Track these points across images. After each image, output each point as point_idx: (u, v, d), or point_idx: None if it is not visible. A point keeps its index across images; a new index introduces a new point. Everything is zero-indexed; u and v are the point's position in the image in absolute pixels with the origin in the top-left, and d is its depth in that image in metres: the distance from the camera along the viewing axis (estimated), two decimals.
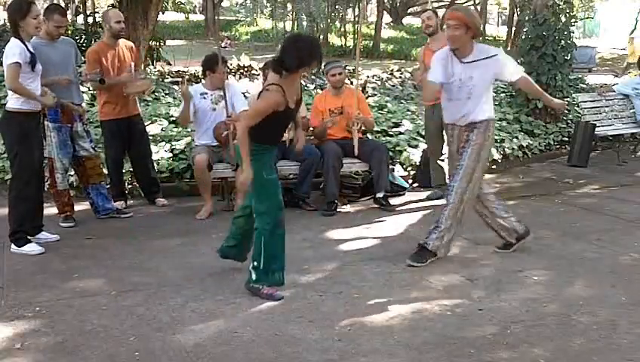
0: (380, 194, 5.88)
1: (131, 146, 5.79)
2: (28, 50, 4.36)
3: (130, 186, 6.10)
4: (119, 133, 5.67)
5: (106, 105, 5.60)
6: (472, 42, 4.32)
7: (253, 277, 3.79)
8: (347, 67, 10.18)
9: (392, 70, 11.35)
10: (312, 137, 6.16)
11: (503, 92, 9.84)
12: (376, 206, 5.88)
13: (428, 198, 6.19)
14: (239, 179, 3.84)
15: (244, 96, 5.92)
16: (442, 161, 6.19)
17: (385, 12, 31.44)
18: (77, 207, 5.35)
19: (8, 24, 4.62)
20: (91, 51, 5.59)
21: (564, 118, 9.06)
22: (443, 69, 4.33)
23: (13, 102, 4.43)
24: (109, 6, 11.70)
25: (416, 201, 6.17)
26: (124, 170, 5.92)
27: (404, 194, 6.36)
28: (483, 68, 4.29)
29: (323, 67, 6.56)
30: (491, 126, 4.42)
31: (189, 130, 6.44)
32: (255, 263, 3.78)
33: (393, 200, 6.10)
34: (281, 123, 3.79)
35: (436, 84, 4.39)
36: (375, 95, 9.31)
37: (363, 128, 6.26)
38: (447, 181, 6.14)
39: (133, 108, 5.71)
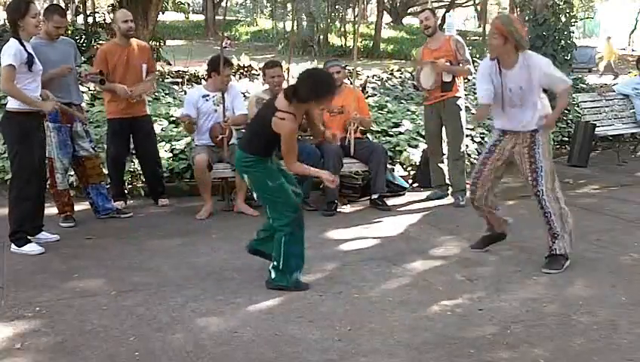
0: (374, 196, 5.89)
1: (137, 146, 5.80)
2: (25, 50, 4.34)
3: (130, 186, 6.10)
4: (121, 132, 5.66)
5: (111, 103, 5.61)
6: (515, 52, 4.15)
7: (273, 275, 3.89)
8: (347, 67, 10.20)
9: (392, 70, 11.33)
10: (312, 137, 6.16)
11: None
12: (373, 206, 5.88)
13: (428, 198, 6.19)
14: (327, 178, 4.03)
15: (245, 96, 5.92)
16: (442, 161, 6.19)
17: (385, 12, 31.43)
18: (77, 207, 5.35)
19: (7, 24, 4.60)
20: (99, 51, 5.64)
21: (564, 117, 9.06)
22: (487, 85, 4.21)
23: (13, 101, 4.42)
24: (109, 6, 11.72)
25: (416, 201, 6.17)
26: (125, 170, 5.92)
27: (404, 194, 6.37)
28: (527, 76, 4.14)
29: (322, 67, 6.56)
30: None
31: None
32: (275, 263, 3.87)
33: (393, 201, 6.11)
34: (278, 142, 3.82)
35: (485, 104, 4.28)
36: (375, 95, 9.29)
37: (362, 128, 6.27)
38: (447, 181, 6.17)
39: (139, 108, 5.71)
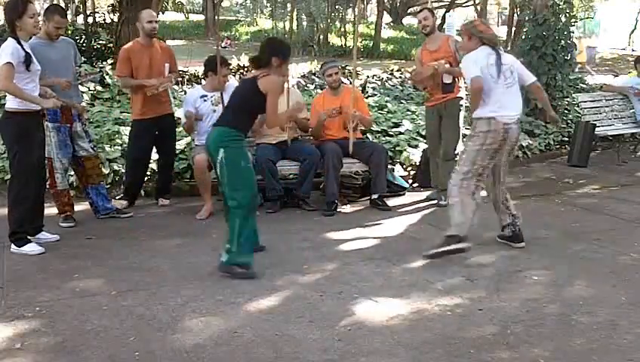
0: (375, 196, 5.89)
1: (159, 143, 5.81)
2: (23, 49, 4.33)
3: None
4: (148, 133, 5.66)
5: (138, 103, 5.62)
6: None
7: (224, 259, 4.06)
8: (347, 67, 10.20)
9: (392, 70, 11.34)
10: (312, 137, 6.17)
11: None
12: (373, 206, 5.88)
13: (428, 198, 6.18)
14: (292, 112, 4.70)
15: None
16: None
17: (385, 12, 31.42)
18: (77, 207, 5.35)
19: (5, 24, 4.59)
20: (122, 50, 5.67)
21: (564, 118, 9.06)
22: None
23: (12, 101, 4.41)
24: (109, 6, 11.72)
25: (416, 201, 6.17)
26: (146, 172, 5.93)
27: (404, 194, 6.36)
28: None
29: (320, 68, 6.56)
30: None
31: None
32: (228, 245, 4.04)
33: (393, 201, 6.11)
34: (258, 112, 4.23)
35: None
36: (375, 95, 9.30)
37: (361, 128, 6.27)
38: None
39: (166, 106, 5.75)
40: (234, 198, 4.04)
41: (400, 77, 10.57)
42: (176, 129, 6.61)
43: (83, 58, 5.74)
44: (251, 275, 4.04)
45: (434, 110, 6.05)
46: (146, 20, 5.56)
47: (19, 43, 4.33)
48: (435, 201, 6.04)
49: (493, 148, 4.45)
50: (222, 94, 5.54)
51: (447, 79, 5.85)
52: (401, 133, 7.30)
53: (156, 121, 5.65)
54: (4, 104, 4.59)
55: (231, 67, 11.43)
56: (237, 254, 4.04)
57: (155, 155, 5.95)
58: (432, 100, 6.04)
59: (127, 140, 6.08)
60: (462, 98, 6.02)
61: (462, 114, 6.01)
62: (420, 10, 6.31)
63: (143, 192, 6.07)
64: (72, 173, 5.43)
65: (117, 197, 5.81)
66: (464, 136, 6.70)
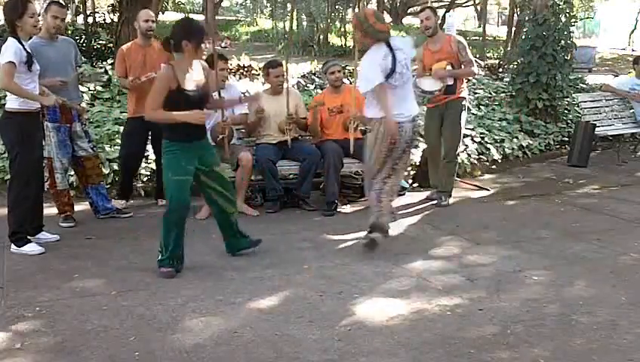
0: None
1: (154, 143, 5.80)
2: (25, 49, 4.34)
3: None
4: (140, 131, 5.65)
5: (134, 101, 5.61)
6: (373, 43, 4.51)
7: (159, 257, 4.13)
8: (347, 67, 10.19)
9: None
10: (311, 136, 6.17)
11: (503, 92, 9.84)
12: None
13: (428, 198, 6.18)
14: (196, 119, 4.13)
15: (244, 96, 5.92)
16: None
17: (385, 12, 31.41)
18: (77, 207, 5.35)
19: (5, 24, 4.58)
20: (119, 50, 5.69)
21: (564, 118, 9.07)
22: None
23: (12, 102, 4.41)
24: (109, 6, 11.73)
25: (416, 201, 6.17)
26: (138, 171, 5.91)
27: (404, 194, 6.36)
28: None
29: (322, 66, 6.56)
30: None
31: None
32: (159, 247, 4.14)
33: (393, 201, 6.09)
34: (182, 107, 4.02)
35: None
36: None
37: (362, 128, 6.26)
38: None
39: None
40: (169, 200, 4.17)
41: None
42: None
43: (83, 58, 5.72)
44: (170, 275, 4.09)
45: (435, 110, 6.05)
46: (142, 19, 5.57)
47: (20, 43, 4.33)
48: (435, 201, 6.04)
49: (390, 147, 4.56)
50: (220, 92, 5.52)
51: (449, 80, 5.84)
52: None
53: (141, 122, 5.64)
54: (5, 104, 4.59)
55: (231, 66, 11.46)
56: (166, 256, 4.12)
57: (153, 155, 5.95)
58: (434, 101, 6.03)
59: None
60: (464, 98, 6.01)
61: (464, 115, 6.01)
62: (422, 10, 6.16)
63: (143, 192, 6.07)
64: (72, 173, 5.43)
65: (115, 198, 5.80)
66: (465, 136, 6.72)
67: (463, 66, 5.87)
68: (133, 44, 5.64)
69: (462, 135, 6.07)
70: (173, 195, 4.09)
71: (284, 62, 6.04)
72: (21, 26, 4.35)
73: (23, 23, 4.35)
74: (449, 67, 5.79)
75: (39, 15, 4.64)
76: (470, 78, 8.14)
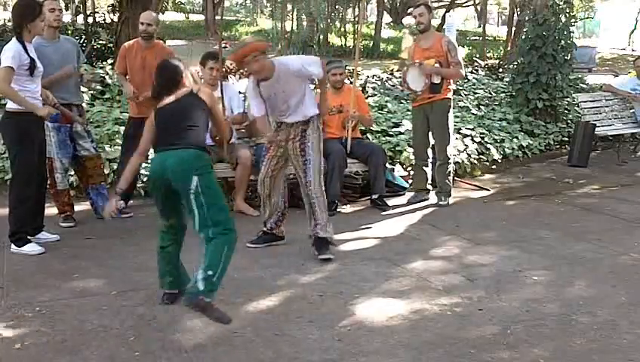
0: (375, 196, 5.89)
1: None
2: (27, 54, 4.30)
3: None
4: (133, 133, 5.65)
5: (131, 103, 5.61)
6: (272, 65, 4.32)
7: (201, 287, 3.24)
8: (347, 67, 10.19)
9: (392, 70, 11.33)
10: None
11: (503, 92, 9.84)
12: (373, 206, 5.88)
13: (408, 202, 6.10)
14: None
15: (244, 96, 5.91)
16: (426, 165, 6.15)
17: (385, 12, 31.42)
18: (77, 207, 5.35)
19: (12, 25, 4.54)
20: (122, 47, 5.69)
21: (564, 118, 9.07)
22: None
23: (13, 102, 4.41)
24: (109, 6, 11.72)
25: (416, 201, 6.16)
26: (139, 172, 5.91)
27: (404, 194, 6.36)
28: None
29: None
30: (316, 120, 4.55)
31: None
32: (209, 272, 3.30)
33: (393, 201, 6.10)
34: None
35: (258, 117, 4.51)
36: (375, 95, 9.29)
37: (362, 127, 6.26)
38: (429, 186, 6.15)
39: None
40: (220, 222, 3.41)
41: (400, 77, 10.55)
42: None
43: (85, 58, 5.71)
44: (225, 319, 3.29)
45: (420, 110, 6.00)
46: (139, 22, 5.56)
47: (24, 47, 4.29)
48: (436, 201, 6.04)
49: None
50: (222, 93, 5.52)
51: (436, 79, 5.79)
52: (401, 133, 7.30)
53: (140, 122, 5.63)
54: (5, 104, 4.59)
55: (231, 66, 11.44)
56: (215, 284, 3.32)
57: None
58: (417, 100, 5.99)
59: None
60: (450, 99, 5.95)
61: (451, 115, 5.96)
62: (417, 6, 5.99)
63: (142, 192, 6.07)
64: (73, 173, 5.43)
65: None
66: (465, 136, 6.71)
67: (451, 67, 5.84)
68: (136, 43, 5.62)
69: (450, 135, 6.02)
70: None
71: None
72: (31, 29, 4.32)
73: (34, 26, 4.33)
74: (437, 65, 5.77)
75: None
76: (457, 80, 8.12)
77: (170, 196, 3.50)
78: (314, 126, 4.50)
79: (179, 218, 3.62)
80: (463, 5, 35.06)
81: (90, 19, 11.87)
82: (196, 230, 3.41)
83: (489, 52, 21.36)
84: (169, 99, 3.63)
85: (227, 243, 3.40)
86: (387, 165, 6.22)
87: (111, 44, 9.82)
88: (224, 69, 7.10)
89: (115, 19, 10.23)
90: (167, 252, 3.66)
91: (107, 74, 8.01)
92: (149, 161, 5.50)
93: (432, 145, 6.06)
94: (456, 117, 7.11)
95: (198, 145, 3.52)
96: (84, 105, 5.46)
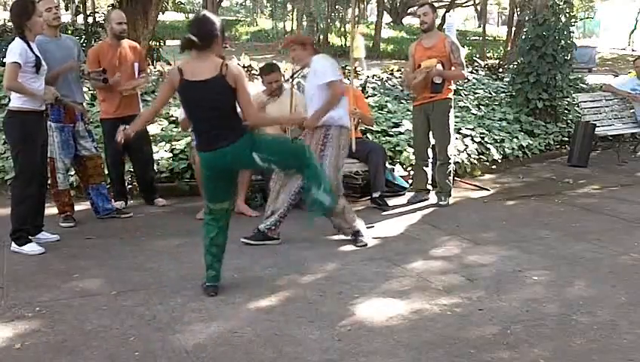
0: (375, 194, 5.88)
1: (129, 146, 5.77)
2: (32, 52, 4.34)
3: (130, 186, 6.09)
4: (115, 134, 5.64)
5: (104, 103, 5.60)
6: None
7: (321, 198, 3.69)
8: (347, 67, 10.19)
9: (392, 70, 11.34)
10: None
11: (503, 92, 9.84)
12: (374, 206, 5.89)
13: (408, 202, 6.10)
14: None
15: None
16: (426, 165, 6.15)
17: (385, 12, 31.42)
18: (77, 207, 5.35)
19: (12, 25, 4.58)
20: (91, 51, 5.63)
21: (564, 118, 9.07)
22: None
23: (16, 101, 4.42)
24: (109, 6, 11.72)
25: (416, 201, 6.16)
26: (125, 170, 5.91)
27: (404, 194, 6.36)
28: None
29: None
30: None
31: (189, 129, 6.42)
32: (319, 189, 3.68)
33: (393, 201, 6.10)
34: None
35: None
36: (375, 95, 9.30)
37: (362, 127, 6.25)
38: (428, 186, 6.16)
39: (133, 107, 5.67)
40: (298, 159, 3.72)
41: (400, 77, 10.57)
42: (175, 129, 6.63)
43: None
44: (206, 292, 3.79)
45: (420, 110, 6.00)
46: (115, 22, 5.54)
47: (28, 45, 4.33)
48: (436, 201, 6.04)
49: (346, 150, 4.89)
50: None
51: (437, 79, 5.79)
52: (401, 133, 7.30)
53: (125, 121, 5.61)
54: (7, 103, 4.60)
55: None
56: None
57: (131, 160, 5.92)
58: (418, 99, 5.99)
59: None
60: (451, 100, 5.95)
61: (451, 115, 5.96)
62: (421, 5, 6.12)
63: (141, 194, 6.06)
64: (73, 172, 5.43)
65: (113, 201, 5.79)
66: (465, 136, 6.70)
67: (453, 68, 5.84)
68: (105, 44, 5.63)
69: (451, 135, 6.02)
70: (205, 187, 3.86)
71: (283, 63, 6.04)
72: (30, 27, 4.35)
73: (33, 24, 4.35)
74: (439, 65, 5.76)
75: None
76: (459, 80, 8.13)
77: (225, 177, 3.74)
78: (334, 133, 4.74)
79: (230, 200, 3.84)
80: (463, 5, 35.09)
81: (90, 19, 11.86)
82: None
83: (489, 52, 21.37)
84: (199, 75, 3.52)
85: (315, 162, 3.77)
86: (387, 165, 6.21)
87: None
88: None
89: None
90: (215, 245, 3.83)
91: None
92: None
93: (433, 145, 6.06)
94: (456, 117, 7.11)
95: (234, 129, 3.58)
96: (85, 104, 5.46)
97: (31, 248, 4.51)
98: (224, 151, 3.56)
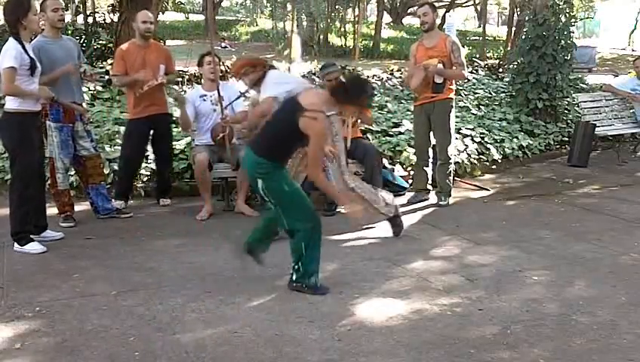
0: None
1: (154, 143, 5.81)
2: (27, 53, 4.29)
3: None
4: (141, 133, 5.66)
5: (133, 103, 5.60)
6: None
7: (294, 276, 3.86)
8: (347, 67, 10.19)
9: (392, 70, 11.34)
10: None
11: (503, 92, 9.84)
12: None
13: (408, 202, 6.10)
14: (351, 213, 4.00)
15: (245, 96, 5.90)
16: (427, 165, 6.15)
17: (385, 12, 31.43)
18: (77, 207, 5.35)
19: (6, 24, 4.53)
20: (118, 50, 5.70)
21: (564, 118, 9.07)
22: None
23: (12, 102, 4.38)
24: (109, 6, 11.72)
25: (416, 201, 6.16)
26: (139, 172, 5.92)
27: (404, 194, 6.36)
28: None
29: (320, 70, 6.54)
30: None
31: (189, 129, 6.43)
32: (295, 265, 3.84)
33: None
34: (299, 146, 3.85)
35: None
36: (375, 95, 9.29)
37: (361, 127, 6.25)
38: (429, 186, 6.16)
39: (162, 106, 5.72)
40: (291, 222, 3.77)
41: (400, 77, 10.57)
42: (175, 129, 6.63)
43: (85, 58, 5.73)
44: (323, 291, 3.83)
45: (421, 110, 5.99)
46: (140, 20, 5.56)
47: (22, 46, 4.28)
48: (436, 201, 6.04)
49: None
50: (219, 93, 5.52)
51: (438, 79, 5.79)
52: (401, 133, 7.30)
53: (150, 121, 5.64)
54: (4, 104, 4.59)
55: (231, 66, 11.43)
56: (303, 276, 3.82)
57: (153, 155, 5.95)
58: (419, 99, 5.99)
59: None
60: (452, 100, 5.95)
61: (452, 115, 5.95)
62: (422, 5, 6.11)
63: (142, 192, 6.07)
64: (73, 172, 5.43)
65: (113, 200, 5.80)
66: (465, 136, 6.71)
67: (454, 68, 5.84)
68: (132, 44, 5.64)
69: (451, 135, 6.02)
70: (300, 204, 3.77)
71: (284, 63, 6.04)
72: (26, 25, 4.30)
73: (29, 22, 4.30)
74: (440, 65, 5.77)
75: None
76: (460, 80, 8.13)
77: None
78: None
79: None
80: (463, 5, 35.10)
81: (90, 19, 11.86)
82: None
83: (489, 52, 21.36)
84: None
85: (303, 239, 3.76)
86: (387, 165, 6.21)
87: (111, 44, 9.82)
88: (224, 69, 7.08)
89: (115, 19, 10.22)
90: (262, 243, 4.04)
91: (107, 73, 8.01)
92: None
93: (433, 145, 6.06)
94: (456, 117, 7.10)
95: (262, 153, 3.68)
96: (84, 105, 5.45)
97: (32, 246, 4.50)
98: (249, 153, 3.78)
